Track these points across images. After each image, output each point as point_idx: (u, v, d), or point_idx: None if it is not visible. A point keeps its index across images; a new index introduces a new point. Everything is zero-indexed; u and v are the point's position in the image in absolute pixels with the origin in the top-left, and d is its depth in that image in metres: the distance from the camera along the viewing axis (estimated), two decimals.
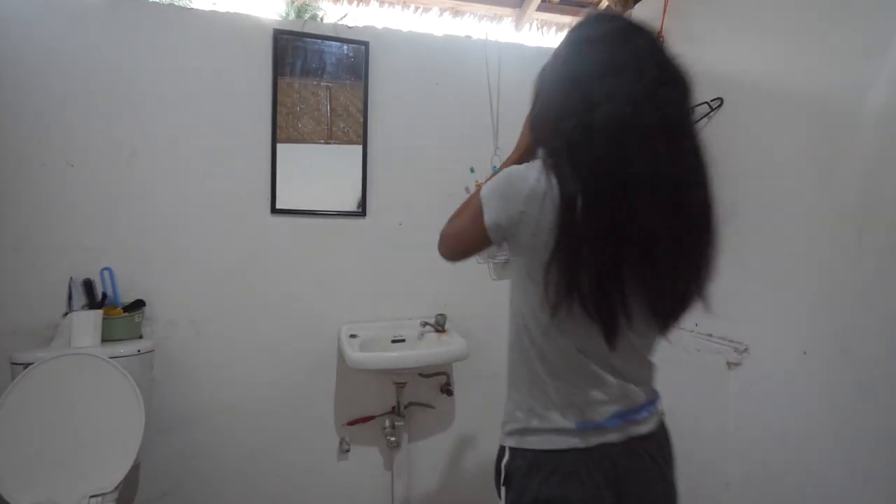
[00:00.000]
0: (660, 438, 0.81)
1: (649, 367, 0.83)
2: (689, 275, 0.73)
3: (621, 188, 0.64)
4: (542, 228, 0.68)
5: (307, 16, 1.88)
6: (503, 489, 0.78)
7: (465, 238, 0.82)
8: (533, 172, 0.70)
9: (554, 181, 0.67)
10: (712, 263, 0.74)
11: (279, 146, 1.77)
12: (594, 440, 0.74)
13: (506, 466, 0.78)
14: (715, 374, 1.58)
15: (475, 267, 2.00)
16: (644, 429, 0.78)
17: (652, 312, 0.74)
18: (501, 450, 0.80)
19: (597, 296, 0.67)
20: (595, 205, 0.64)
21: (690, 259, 0.72)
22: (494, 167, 2.00)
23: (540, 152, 0.75)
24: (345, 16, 1.88)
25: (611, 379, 0.76)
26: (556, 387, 0.75)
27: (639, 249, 0.67)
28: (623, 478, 0.75)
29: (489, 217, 0.74)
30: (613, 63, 0.68)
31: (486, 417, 2.01)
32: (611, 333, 0.69)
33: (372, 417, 1.86)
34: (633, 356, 0.79)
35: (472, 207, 0.78)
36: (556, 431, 0.74)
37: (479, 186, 0.84)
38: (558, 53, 0.79)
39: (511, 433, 0.78)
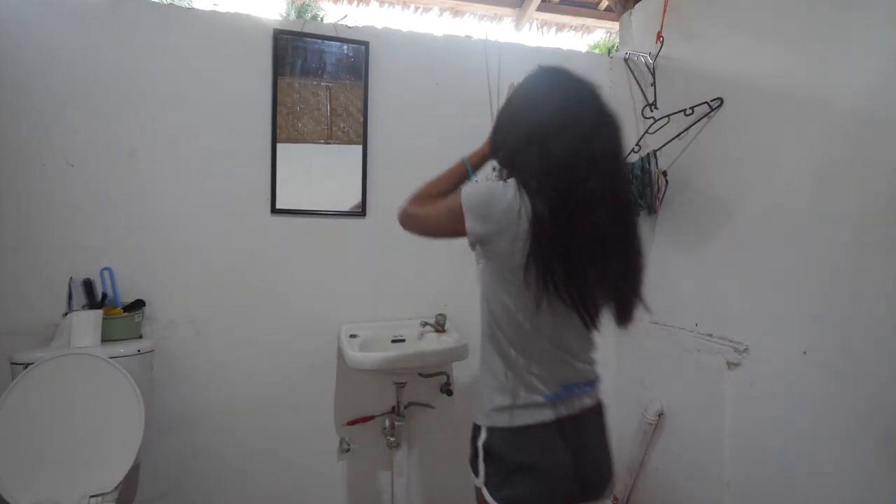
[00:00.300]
0: (600, 410, 1.00)
1: (594, 350, 1.00)
2: (634, 270, 0.90)
3: (579, 202, 0.81)
4: (520, 237, 0.83)
5: (308, 16, 1.88)
6: (482, 464, 0.91)
7: (437, 228, 0.97)
8: (510, 190, 0.84)
9: (526, 198, 0.82)
10: (643, 263, 0.92)
11: (279, 146, 1.77)
12: (557, 413, 0.90)
13: (484, 444, 0.92)
14: (715, 374, 1.58)
15: (475, 267, 2.00)
16: (590, 402, 0.97)
17: (610, 302, 0.90)
18: (477, 430, 0.94)
19: (570, 289, 0.82)
20: (560, 216, 0.80)
21: (631, 257, 0.89)
22: (495, 168, 1.99)
23: (512, 172, 0.91)
24: (345, 16, 1.88)
25: (570, 360, 0.93)
26: (527, 370, 0.90)
27: (596, 248, 0.83)
28: (578, 443, 0.91)
29: (471, 225, 0.87)
30: (565, 106, 0.87)
31: None
32: (586, 319, 0.86)
33: (372, 417, 1.86)
34: (586, 341, 0.96)
35: (451, 207, 0.90)
36: (528, 408, 0.89)
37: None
38: (518, 95, 0.97)
39: (489, 414, 0.91)
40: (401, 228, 1.06)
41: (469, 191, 0.89)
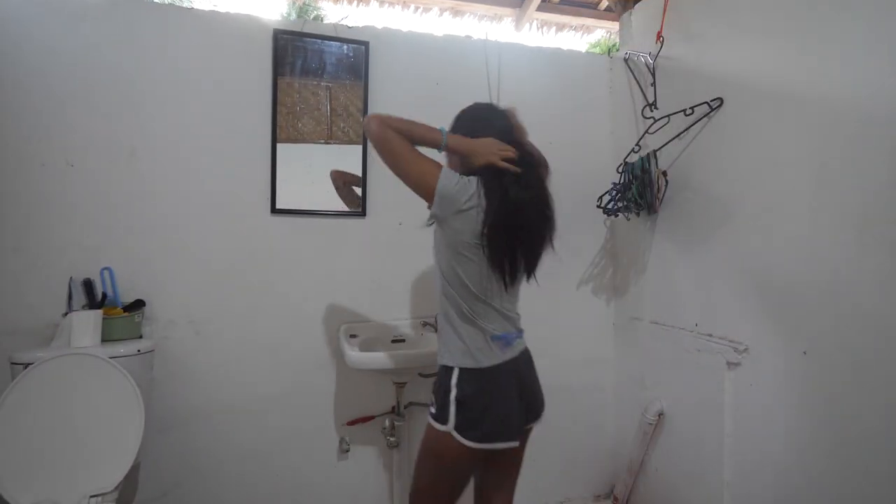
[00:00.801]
0: (528, 351, 1.26)
1: (517, 304, 1.25)
2: (542, 250, 1.22)
3: (517, 205, 1.12)
4: (477, 221, 1.10)
5: (310, 17, 1.88)
6: (455, 393, 1.11)
7: (400, 171, 1.15)
8: (473, 185, 1.12)
9: (483, 194, 1.11)
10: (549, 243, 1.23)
11: (279, 146, 1.77)
12: (508, 355, 1.16)
13: (457, 382, 1.12)
14: (715, 374, 1.58)
15: None
16: (523, 346, 1.23)
17: (527, 272, 1.21)
18: (449, 371, 1.14)
19: (512, 262, 1.14)
20: (504, 213, 1.10)
21: (544, 242, 1.21)
22: None
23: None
24: (345, 17, 1.88)
25: (509, 314, 1.20)
26: (482, 322, 1.14)
27: (527, 236, 1.16)
28: (522, 376, 1.19)
29: (436, 208, 1.13)
30: (503, 130, 1.22)
31: None
32: (512, 282, 1.16)
33: (372, 417, 1.86)
34: (515, 301, 1.23)
35: (426, 179, 1.12)
36: (488, 352, 1.14)
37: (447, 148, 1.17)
38: (461, 118, 1.29)
39: (457, 358, 1.14)
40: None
41: (445, 181, 1.10)
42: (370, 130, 1.13)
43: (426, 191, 1.12)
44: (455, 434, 1.09)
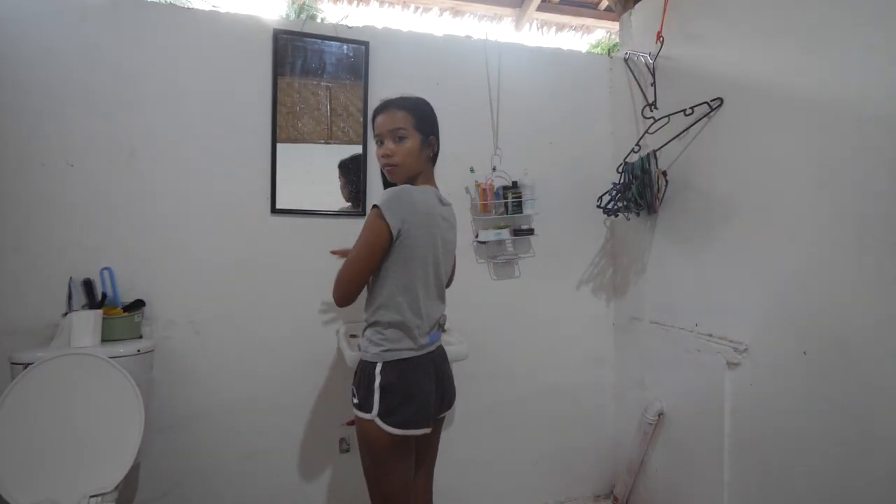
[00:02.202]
0: (443, 349, 1.35)
1: (443, 307, 1.33)
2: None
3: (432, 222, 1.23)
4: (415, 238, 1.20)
5: (304, 15, 1.88)
6: (377, 399, 1.15)
7: (363, 254, 1.21)
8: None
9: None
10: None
11: (279, 146, 1.77)
12: (426, 350, 1.24)
13: (381, 371, 1.17)
14: (715, 374, 1.58)
15: (475, 267, 2.01)
16: (440, 343, 1.33)
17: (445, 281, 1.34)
18: (373, 366, 1.18)
19: (437, 272, 1.26)
20: (421, 232, 1.19)
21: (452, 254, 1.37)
22: (494, 167, 2.00)
23: None
24: (345, 17, 1.88)
25: (430, 315, 1.26)
26: (408, 320, 1.20)
27: (445, 250, 1.29)
28: (439, 369, 1.28)
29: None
30: None
31: (487, 416, 2.01)
32: (441, 285, 1.30)
33: None
34: (440, 300, 1.31)
35: (373, 233, 1.18)
36: (411, 347, 1.20)
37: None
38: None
39: (382, 352, 1.18)
40: None
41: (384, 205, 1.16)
42: (336, 300, 1.20)
43: (384, 239, 1.15)
44: (378, 421, 1.15)
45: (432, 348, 1.27)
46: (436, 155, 1.31)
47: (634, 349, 2.04)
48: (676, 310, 1.80)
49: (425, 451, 1.36)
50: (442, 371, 1.30)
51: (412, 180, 1.26)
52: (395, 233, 1.13)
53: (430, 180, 1.30)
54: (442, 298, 1.31)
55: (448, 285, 1.42)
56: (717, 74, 1.60)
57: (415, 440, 1.23)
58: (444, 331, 1.37)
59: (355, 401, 1.20)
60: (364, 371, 1.20)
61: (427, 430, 1.20)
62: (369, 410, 1.15)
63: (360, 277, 1.17)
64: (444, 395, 1.30)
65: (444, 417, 1.36)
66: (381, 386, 1.16)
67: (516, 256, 2.06)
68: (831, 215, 1.26)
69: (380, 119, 1.24)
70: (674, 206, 1.80)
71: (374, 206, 1.14)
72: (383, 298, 1.20)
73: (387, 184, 1.34)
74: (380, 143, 1.25)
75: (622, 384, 2.13)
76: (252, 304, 1.75)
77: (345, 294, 1.17)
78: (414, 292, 1.20)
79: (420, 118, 1.24)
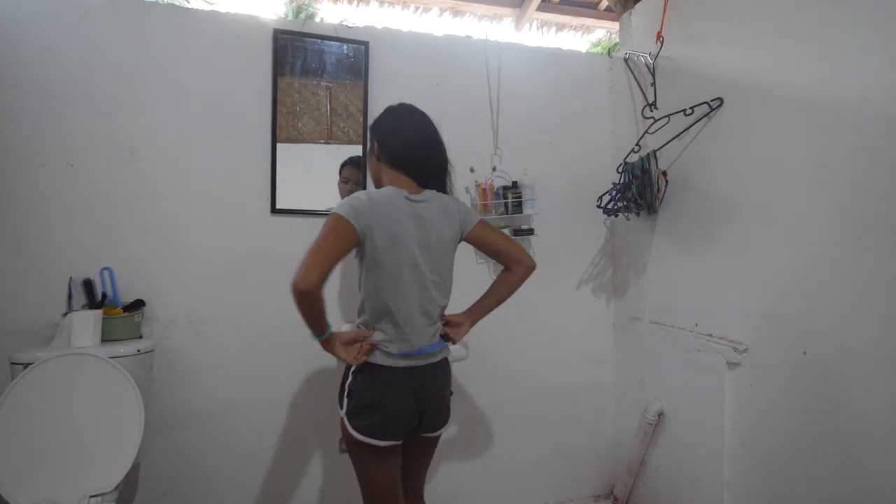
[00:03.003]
0: (444, 366, 1.27)
1: (437, 319, 1.26)
2: None
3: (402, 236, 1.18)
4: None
5: (303, 15, 1.88)
6: (345, 400, 1.19)
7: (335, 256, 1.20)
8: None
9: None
10: None
11: (279, 146, 1.77)
12: (404, 363, 1.17)
13: (353, 373, 1.19)
14: (715, 374, 1.58)
15: (475, 267, 2.01)
16: (435, 359, 1.23)
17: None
18: (349, 366, 1.19)
19: (416, 273, 1.19)
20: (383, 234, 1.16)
21: None
22: (494, 167, 2.00)
23: None
24: (345, 19, 1.88)
25: (412, 323, 1.18)
26: (381, 328, 1.17)
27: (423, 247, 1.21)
28: (421, 386, 1.19)
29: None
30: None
31: (487, 416, 2.01)
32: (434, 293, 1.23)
33: None
34: (431, 312, 1.22)
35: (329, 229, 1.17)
36: (385, 353, 1.17)
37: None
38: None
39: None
40: None
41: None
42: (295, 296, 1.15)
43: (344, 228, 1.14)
44: (345, 420, 1.18)
45: (413, 362, 1.18)
46: (380, 149, 1.25)
47: (634, 349, 2.04)
48: (676, 310, 1.80)
49: (410, 466, 1.30)
50: (424, 389, 1.19)
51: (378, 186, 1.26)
52: (359, 233, 1.12)
53: (394, 180, 1.22)
54: (429, 307, 1.20)
55: (517, 263, 1.31)
56: (717, 74, 1.60)
57: (391, 449, 1.17)
58: (451, 342, 1.29)
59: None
60: (345, 368, 1.23)
61: (392, 443, 1.15)
62: (342, 408, 1.19)
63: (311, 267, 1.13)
64: (423, 415, 1.19)
65: (431, 439, 1.28)
66: (349, 387, 1.18)
67: None
68: (831, 215, 1.25)
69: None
70: (674, 206, 1.80)
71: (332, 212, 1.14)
72: (360, 303, 1.21)
73: None
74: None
75: (622, 384, 2.13)
76: (252, 304, 1.75)
77: (297, 277, 1.12)
78: (382, 300, 1.15)
79: (367, 140, 1.31)
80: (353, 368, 1.18)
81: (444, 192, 1.30)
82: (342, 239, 1.12)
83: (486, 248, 1.33)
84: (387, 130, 1.25)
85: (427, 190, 1.24)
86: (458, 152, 1.95)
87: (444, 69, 1.96)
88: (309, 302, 1.11)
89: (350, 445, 1.19)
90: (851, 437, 1.21)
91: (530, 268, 1.31)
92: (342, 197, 1.85)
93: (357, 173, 1.85)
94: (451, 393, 1.31)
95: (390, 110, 1.29)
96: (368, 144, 1.28)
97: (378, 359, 1.17)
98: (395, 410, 1.15)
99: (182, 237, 1.68)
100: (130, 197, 1.63)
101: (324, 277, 1.09)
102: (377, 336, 1.17)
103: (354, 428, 1.15)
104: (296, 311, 1.80)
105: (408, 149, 1.23)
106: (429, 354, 1.21)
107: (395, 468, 1.22)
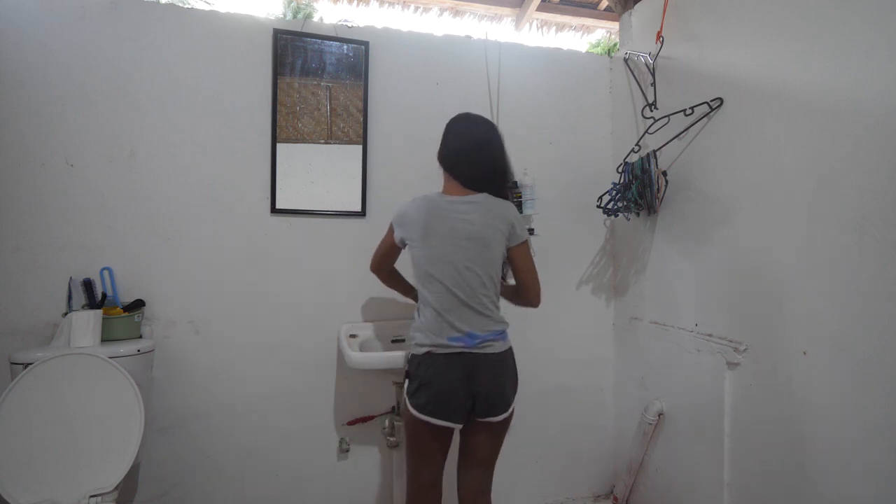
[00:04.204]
0: (503, 357, 1.34)
1: (492, 310, 1.35)
2: None
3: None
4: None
5: (301, 15, 1.88)
6: (407, 367, 1.34)
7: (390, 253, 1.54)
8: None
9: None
10: None
11: (279, 146, 1.77)
12: (452, 350, 1.27)
13: (409, 361, 1.33)
14: (715, 374, 1.58)
15: None
16: (493, 349, 1.31)
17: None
18: (409, 355, 1.34)
19: (456, 270, 1.32)
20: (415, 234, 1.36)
21: None
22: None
23: None
24: (345, 20, 1.88)
25: (454, 314, 1.29)
26: (429, 315, 1.30)
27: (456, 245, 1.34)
28: (473, 371, 1.28)
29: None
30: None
31: None
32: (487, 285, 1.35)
33: (372, 417, 1.86)
34: (482, 302, 1.32)
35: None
36: (433, 343, 1.28)
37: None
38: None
39: (412, 346, 1.33)
40: None
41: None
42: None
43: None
44: (406, 398, 1.31)
45: (460, 348, 1.28)
46: (438, 154, 1.43)
47: (634, 349, 2.04)
48: (676, 310, 1.80)
49: (469, 452, 1.38)
50: (477, 373, 1.28)
51: None
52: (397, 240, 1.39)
53: (446, 182, 1.41)
54: (468, 299, 1.29)
55: (525, 292, 1.43)
56: (717, 74, 1.60)
57: (442, 435, 1.30)
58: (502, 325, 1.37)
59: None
60: (405, 358, 1.42)
61: (447, 425, 1.27)
62: (405, 391, 1.32)
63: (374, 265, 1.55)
64: (476, 398, 1.28)
65: (488, 424, 1.33)
66: (407, 371, 1.34)
67: None
68: (831, 215, 1.25)
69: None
70: (674, 206, 1.80)
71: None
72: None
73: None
74: None
75: (622, 384, 2.13)
76: (252, 304, 1.75)
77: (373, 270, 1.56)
78: (421, 291, 1.33)
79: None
80: (408, 357, 1.34)
81: (500, 195, 1.39)
82: (388, 238, 1.44)
83: (513, 268, 1.42)
84: (445, 137, 1.42)
85: (478, 193, 1.35)
86: None
87: (444, 69, 1.96)
88: (381, 279, 1.58)
89: (407, 428, 1.32)
90: (851, 437, 1.21)
91: (531, 305, 1.46)
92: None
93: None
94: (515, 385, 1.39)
95: (451, 119, 1.44)
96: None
97: (426, 347, 1.29)
98: (445, 389, 1.26)
99: (182, 237, 1.68)
100: (130, 197, 1.63)
101: (380, 266, 1.53)
102: (422, 322, 1.33)
103: (413, 406, 1.27)
104: (295, 311, 1.82)
105: (456, 155, 1.38)
106: (483, 343, 1.29)
107: (440, 460, 1.34)
